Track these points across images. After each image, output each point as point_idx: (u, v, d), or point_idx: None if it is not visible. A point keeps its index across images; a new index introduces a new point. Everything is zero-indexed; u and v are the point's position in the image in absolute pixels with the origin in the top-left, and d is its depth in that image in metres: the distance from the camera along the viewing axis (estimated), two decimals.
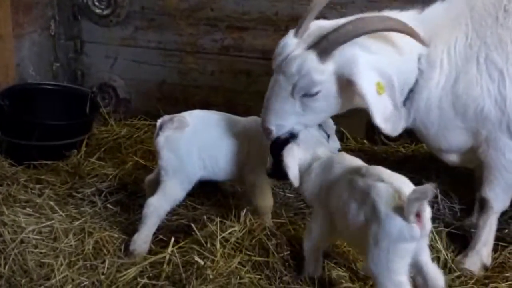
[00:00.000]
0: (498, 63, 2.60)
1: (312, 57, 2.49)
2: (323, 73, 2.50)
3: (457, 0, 2.73)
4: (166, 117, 2.94)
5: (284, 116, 2.62)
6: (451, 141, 2.75)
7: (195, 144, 2.90)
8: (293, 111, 2.60)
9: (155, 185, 2.90)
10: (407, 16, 2.64)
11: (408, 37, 2.57)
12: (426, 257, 2.30)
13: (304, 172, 2.57)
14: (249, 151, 2.94)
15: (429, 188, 2.10)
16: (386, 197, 2.21)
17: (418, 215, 2.16)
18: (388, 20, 2.55)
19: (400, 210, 2.16)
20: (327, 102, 2.59)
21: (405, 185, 2.26)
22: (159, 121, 2.92)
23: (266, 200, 2.94)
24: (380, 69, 2.52)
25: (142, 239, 2.79)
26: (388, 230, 2.18)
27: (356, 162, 2.55)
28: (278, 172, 2.59)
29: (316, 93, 2.54)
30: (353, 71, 2.48)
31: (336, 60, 2.51)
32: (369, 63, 2.51)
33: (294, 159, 2.54)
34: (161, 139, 2.87)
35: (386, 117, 2.53)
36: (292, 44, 2.58)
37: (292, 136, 2.59)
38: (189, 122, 2.94)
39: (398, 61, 2.60)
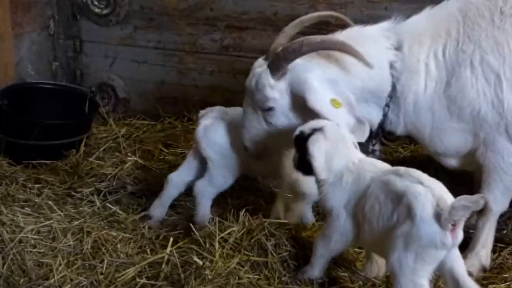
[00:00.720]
0: (495, 66, 2.60)
1: (266, 74, 2.68)
2: (275, 89, 2.67)
3: (447, 7, 2.75)
4: (208, 108, 3.07)
5: (253, 132, 2.80)
6: (448, 144, 2.75)
7: (236, 139, 2.92)
8: (260, 126, 2.78)
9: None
10: (379, 28, 2.74)
11: (373, 45, 2.67)
12: (462, 269, 2.26)
13: (333, 179, 2.48)
14: None
15: (481, 198, 2.09)
16: (424, 201, 2.18)
17: (454, 224, 2.14)
18: (329, 41, 2.66)
19: (436, 216, 2.14)
20: (285, 117, 2.73)
21: (445, 193, 2.23)
22: (201, 112, 3.07)
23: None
24: (334, 86, 2.64)
25: (201, 217, 2.96)
26: (421, 234, 2.15)
27: (387, 166, 2.49)
28: (304, 166, 2.53)
29: (270, 109, 2.72)
30: (304, 89, 2.64)
31: (288, 77, 2.68)
32: (321, 80, 2.64)
33: (319, 150, 2.46)
34: (201, 129, 2.99)
35: (351, 129, 2.64)
36: (259, 64, 2.77)
37: (317, 130, 2.50)
38: (230, 116, 2.99)
39: (358, 73, 2.67)
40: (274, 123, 2.76)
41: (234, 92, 4.06)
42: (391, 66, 2.70)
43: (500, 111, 2.60)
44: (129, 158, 3.60)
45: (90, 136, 3.82)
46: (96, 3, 4.13)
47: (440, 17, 2.73)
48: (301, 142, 2.51)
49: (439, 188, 2.25)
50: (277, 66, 2.66)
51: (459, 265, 2.26)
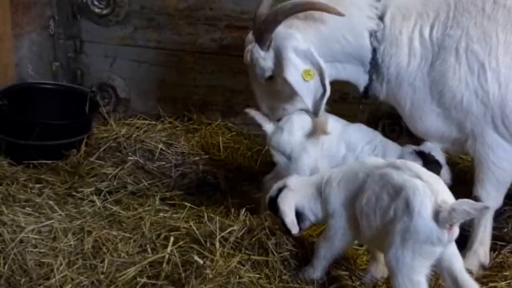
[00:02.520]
0: (480, 55, 2.60)
1: (256, 48, 2.84)
2: (267, 59, 2.83)
3: None
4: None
5: (268, 102, 3.02)
6: (428, 125, 2.77)
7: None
8: (271, 95, 2.99)
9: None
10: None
11: (356, 11, 2.76)
12: (459, 265, 2.27)
13: (322, 191, 2.55)
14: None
15: (484, 207, 2.10)
16: (422, 196, 2.18)
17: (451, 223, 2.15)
18: (299, 3, 2.74)
19: (435, 212, 2.14)
20: (286, 84, 2.81)
21: (443, 189, 2.23)
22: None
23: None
24: (310, 54, 2.75)
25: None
26: (418, 230, 2.15)
27: (379, 160, 2.53)
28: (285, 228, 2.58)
29: (270, 78, 2.89)
30: (281, 59, 2.78)
31: (273, 45, 2.81)
32: (297, 49, 2.75)
33: (288, 204, 2.55)
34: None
35: (317, 101, 2.79)
36: (249, 39, 2.94)
37: (282, 188, 2.60)
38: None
39: (335, 37, 2.78)
40: (281, 89, 2.89)
41: (235, 91, 4.07)
42: (372, 34, 2.76)
43: (485, 102, 2.60)
44: (129, 158, 3.59)
45: (90, 136, 3.81)
46: (96, 3, 4.12)
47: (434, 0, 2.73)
48: (274, 206, 2.59)
49: (438, 184, 2.25)
50: (262, 39, 2.81)
51: (456, 262, 2.27)
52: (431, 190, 2.19)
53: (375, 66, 2.80)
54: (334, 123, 2.99)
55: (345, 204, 2.47)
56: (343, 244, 2.53)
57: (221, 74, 4.07)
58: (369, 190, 2.35)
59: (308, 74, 2.75)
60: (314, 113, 2.83)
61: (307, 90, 2.78)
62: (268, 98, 3.02)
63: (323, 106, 2.81)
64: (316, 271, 2.56)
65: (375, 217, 2.32)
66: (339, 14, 2.67)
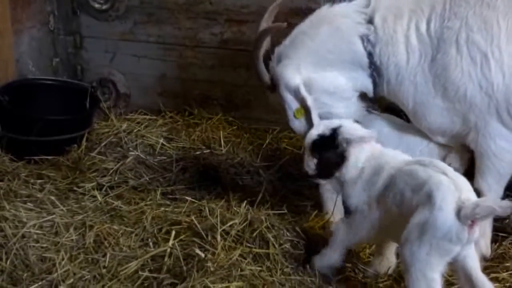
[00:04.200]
0: (481, 45, 2.57)
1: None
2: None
3: None
4: None
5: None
6: (432, 121, 2.75)
7: None
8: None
9: None
10: (355, 4, 2.84)
11: (343, 20, 2.81)
12: (475, 265, 2.23)
13: (354, 177, 2.47)
14: None
15: (510, 207, 2.05)
16: (445, 191, 2.15)
17: (473, 220, 2.12)
18: (258, 34, 2.97)
19: (456, 209, 2.10)
20: None
21: (468, 188, 2.21)
22: None
23: None
24: (296, 92, 2.84)
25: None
26: (437, 225, 2.11)
27: (408, 157, 2.48)
28: (325, 168, 2.51)
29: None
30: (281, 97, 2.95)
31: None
32: (288, 87, 2.87)
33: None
34: None
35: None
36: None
37: (335, 130, 2.49)
38: None
39: (328, 48, 2.83)
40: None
41: (235, 86, 4.08)
42: (363, 39, 2.76)
43: (489, 93, 2.58)
44: (130, 153, 3.60)
45: (91, 131, 3.82)
46: None
47: None
48: (322, 144, 2.49)
49: (463, 183, 2.22)
50: (267, 88, 2.97)
51: (472, 262, 2.23)
52: (455, 186, 2.17)
53: (375, 69, 2.79)
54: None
55: (368, 200, 2.42)
56: (365, 235, 2.46)
57: (221, 69, 4.07)
58: (395, 187, 2.32)
59: (299, 113, 2.88)
60: None
61: (300, 127, 2.92)
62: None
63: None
64: (335, 254, 2.51)
65: (398, 212, 2.29)
66: (280, 27, 2.85)
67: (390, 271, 2.60)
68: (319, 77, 2.85)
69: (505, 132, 2.63)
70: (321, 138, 2.49)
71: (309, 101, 2.81)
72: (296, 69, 2.85)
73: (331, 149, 2.46)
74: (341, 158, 2.45)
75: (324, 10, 2.90)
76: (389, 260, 2.60)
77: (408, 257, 2.18)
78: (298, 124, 2.94)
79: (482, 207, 2.08)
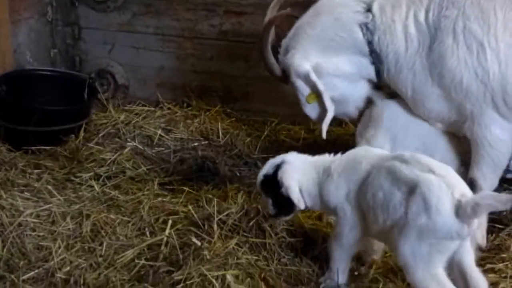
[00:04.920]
0: (478, 34, 2.59)
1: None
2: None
3: None
4: None
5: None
6: (429, 108, 2.77)
7: None
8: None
9: None
10: None
11: (343, 9, 2.85)
12: (470, 260, 2.22)
13: (321, 180, 2.46)
14: None
15: (510, 199, 2.02)
16: (439, 192, 2.11)
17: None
18: (263, 28, 3.01)
19: (454, 207, 2.08)
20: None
21: (457, 180, 2.18)
22: None
23: None
24: (307, 78, 2.87)
25: None
26: (437, 227, 2.09)
27: (383, 151, 2.48)
28: (282, 207, 2.49)
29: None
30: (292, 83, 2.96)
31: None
32: (298, 74, 2.89)
33: (293, 179, 2.43)
34: None
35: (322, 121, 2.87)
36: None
37: (279, 164, 2.49)
38: None
39: (331, 37, 2.86)
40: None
41: (234, 77, 4.09)
42: (363, 27, 2.79)
43: (485, 81, 2.59)
44: (128, 144, 3.61)
45: (89, 122, 3.82)
46: None
47: None
48: (270, 183, 2.48)
49: (452, 176, 2.19)
50: (274, 74, 2.97)
51: (467, 256, 2.22)
52: (446, 184, 2.13)
53: (376, 57, 2.82)
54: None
55: (349, 197, 2.38)
56: (353, 239, 2.41)
57: (220, 60, 4.07)
58: (375, 184, 2.27)
59: (311, 98, 2.90)
60: (322, 134, 2.92)
61: (313, 113, 2.92)
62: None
63: (326, 126, 2.89)
64: (335, 274, 2.44)
65: (383, 213, 2.23)
66: (285, 14, 2.92)
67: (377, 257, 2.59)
68: (326, 62, 2.89)
69: (500, 121, 2.64)
70: (266, 178, 2.50)
71: (320, 85, 2.84)
72: (304, 56, 2.89)
73: (278, 187, 2.45)
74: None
75: (325, 1, 2.93)
76: (373, 248, 2.57)
77: (409, 259, 2.14)
78: (311, 109, 2.96)
79: (483, 205, 2.06)
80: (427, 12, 2.69)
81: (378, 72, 2.86)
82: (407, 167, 2.22)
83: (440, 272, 2.14)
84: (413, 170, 2.19)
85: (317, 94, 2.89)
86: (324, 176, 2.45)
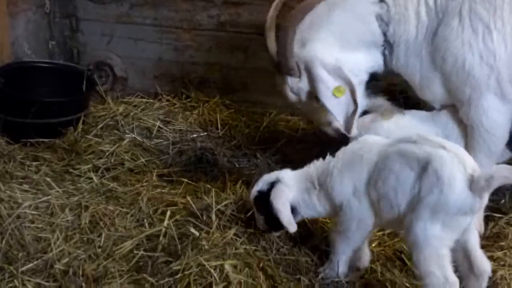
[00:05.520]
0: (484, 17, 2.59)
1: (290, 79, 2.86)
2: (302, 84, 2.86)
3: None
4: None
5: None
6: (434, 91, 2.78)
7: None
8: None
9: None
10: None
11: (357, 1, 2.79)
12: (475, 242, 2.24)
13: (321, 183, 2.46)
14: None
15: None
16: (451, 167, 2.12)
17: None
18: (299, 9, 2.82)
19: (468, 182, 2.09)
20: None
21: (467, 156, 2.19)
22: None
23: None
24: (338, 71, 2.76)
25: None
26: (449, 202, 2.10)
27: (380, 138, 2.47)
28: (273, 225, 2.51)
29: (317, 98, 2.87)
30: (313, 76, 2.80)
31: (304, 69, 2.83)
32: (325, 65, 2.77)
33: (284, 201, 2.45)
34: None
35: (348, 117, 2.78)
36: (278, 80, 2.96)
37: (274, 183, 2.51)
38: None
39: (349, 32, 2.81)
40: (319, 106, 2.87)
41: (232, 68, 4.08)
42: (378, 18, 2.76)
43: (490, 63, 2.59)
44: (127, 136, 3.62)
45: (88, 114, 3.81)
46: None
47: None
48: (262, 201, 2.49)
49: (462, 152, 2.21)
50: (289, 69, 2.81)
51: (473, 239, 2.25)
52: (458, 159, 2.14)
53: (387, 47, 2.80)
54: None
55: (356, 192, 2.37)
56: (363, 233, 2.42)
57: (218, 51, 4.06)
58: (385, 171, 2.27)
59: (339, 91, 2.77)
60: (346, 130, 2.81)
61: (338, 107, 2.79)
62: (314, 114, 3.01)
63: (355, 122, 2.80)
64: (335, 267, 2.46)
65: (396, 196, 2.23)
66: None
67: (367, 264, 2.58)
68: (346, 58, 2.82)
69: (498, 104, 2.64)
70: (260, 195, 2.52)
71: (354, 80, 2.77)
72: (327, 48, 2.81)
73: (270, 207, 2.46)
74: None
75: None
76: (366, 253, 2.56)
77: (420, 237, 2.14)
78: (334, 103, 2.81)
79: (497, 178, 2.07)
80: None
81: (385, 62, 2.85)
82: (416, 146, 2.23)
83: (446, 254, 2.15)
84: (423, 148, 2.20)
85: (350, 89, 2.79)
86: (323, 178, 2.45)
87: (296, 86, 2.88)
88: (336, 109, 2.80)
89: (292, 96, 2.93)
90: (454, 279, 2.13)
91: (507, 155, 2.83)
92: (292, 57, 2.79)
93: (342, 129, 2.80)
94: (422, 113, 2.92)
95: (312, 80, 2.82)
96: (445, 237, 2.14)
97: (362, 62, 2.86)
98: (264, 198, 2.49)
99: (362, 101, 2.89)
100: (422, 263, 2.15)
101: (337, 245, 2.46)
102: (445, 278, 2.12)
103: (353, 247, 2.46)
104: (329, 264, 2.50)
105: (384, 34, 2.78)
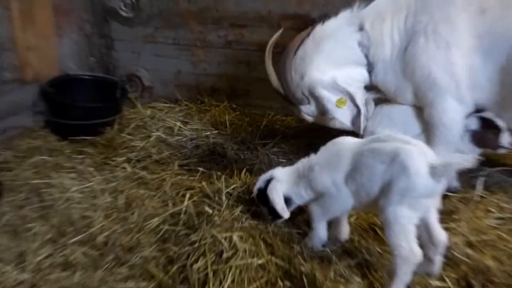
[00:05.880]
0: (444, 35, 2.58)
1: (304, 107, 2.85)
2: (312, 107, 2.86)
3: None
4: None
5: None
6: (407, 99, 2.79)
7: None
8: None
9: None
10: (343, 17, 2.82)
11: (340, 32, 2.78)
12: (434, 218, 2.23)
13: (306, 176, 2.43)
14: None
15: (474, 158, 2.05)
16: (417, 158, 2.11)
17: None
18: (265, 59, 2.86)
19: (430, 169, 2.09)
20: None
21: (428, 150, 2.19)
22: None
23: None
24: (334, 86, 2.73)
25: None
26: (416, 187, 2.09)
27: (355, 139, 2.42)
28: (275, 214, 2.48)
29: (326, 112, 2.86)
30: (318, 98, 2.77)
31: (309, 96, 2.81)
32: (323, 84, 2.74)
33: (278, 193, 2.43)
34: None
35: (353, 120, 2.76)
36: (296, 109, 2.97)
37: (269, 180, 2.49)
38: None
39: (338, 57, 2.77)
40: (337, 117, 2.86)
41: (238, 78, 4.09)
42: (360, 44, 2.76)
43: (450, 73, 2.58)
44: (153, 134, 3.65)
45: (122, 117, 3.85)
46: (123, 8, 4.12)
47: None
48: (263, 196, 2.48)
49: (424, 146, 2.21)
50: (300, 99, 2.81)
51: (433, 216, 2.24)
52: (420, 151, 2.14)
53: (369, 65, 2.80)
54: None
55: (335, 183, 2.33)
56: (339, 212, 2.40)
57: (226, 65, 4.07)
58: (361, 166, 2.25)
59: (341, 102, 2.76)
60: (356, 130, 2.79)
61: (345, 115, 2.78)
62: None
63: (362, 124, 2.77)
64: (319, 231, 2.44)
65: (371, 185, 2.22)
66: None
67: (347, 236, 2.56)
68: (340, 72, 2.79)
69: (456, 105, 2.64)
70: (260, 191, 2.50)
71: (350, 88, 2.74)
72: (321, 71, 2.78)
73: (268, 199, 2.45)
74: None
75: (323, 28, 2.83)
76: (345, 227, 2.54)
77: (391, 217, 2.14)
78: (342, 113, 2.79)
79: (453, 164, 2.07)
80: (406, 20, 2.67)
81: (370, 77, 2.84)
82: (385, 143, 2.22)
83: (412, 230, 2.14)
84: (391, 144, 2.20)
85: (349, 97, 2.77)
86: (307, 172, 2.43)
87: (309, 110, 2.87)
88: (344, 117, 2.79)
89: (309, 118, 2.93)
90: (418, 250, 2.14)
91: (474, 151, 2.80)
92: (297, 90, 2.78)
93: (356, 130, 2.80)
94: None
95: (318, 101, 2.81)
96: (411, 216, 2.14)
97: (354, 74, 2.83)
98: (263, 193, 2.48)
99: (363, 100, 2.85)
100: (392, 238, 2.16)
101: (314, 213, 2.43)
102: (411, 249, 2.13)
103: (328, 218, 2.43)
104: (311, 232, 2.49)
105: (366, 56, 2.77)
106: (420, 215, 2.16)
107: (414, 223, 2.15)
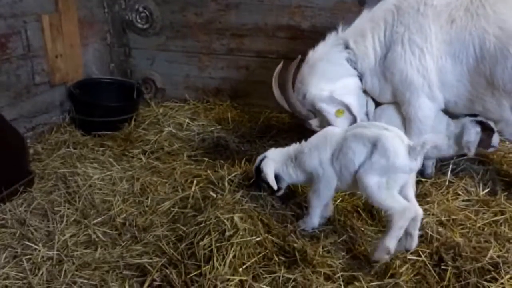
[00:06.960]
0: (419, 43, 2.59)
1: (312, 121, 2.85)
2: (320, 121, 2.84)
3: (385, 4, 2.74)
4: None
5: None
6: (388, 98, 2.79)
7: None
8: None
9: None
10: (330, 41, 2.83)
11: (330, 52, 2.78)
12: (412, 194, 2.24)
13: (296, 157, 2.44)
14: None
15: (445, 137, 2.16)
16: (394, 141, 2.14)
17: None
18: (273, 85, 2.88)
19: (407, 149, 2.11)
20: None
21: (402, 133, 2.23)
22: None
23: None
24: (332, 99, 2.74)
25: None
26: (396, 166, 2.11)
27: (342, 127, 2.44)
28: (271, 189, 2.48)
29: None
30: (319, 112, 2.77)
31: (313, 111, 2.81)
32: (322, 99, 2.76)
33: (269, 168, 2.44)
34: None
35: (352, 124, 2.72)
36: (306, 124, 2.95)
37: (263, 159, 2.51)
38: None
39: (333, 75, 2.77)
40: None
41: (239, 81, 4.05)
42: (348, 60, 2.77)
43: (424, 74, 2.59)
44: (165, 129, 3.61)
45: (138, 114, 3.81)
46: (139, 20, 4.06)
47: (378, 13, 2.74)
48: (259, 173, 2.49)
49: (398, 131, 2.24)
50: (306, 116, 2.81)
51: (410, 190, 2.25)
52: (398, 136, 2.17)
53: (360, 76, 2.80)
54: None
55: (322, 164, 2.35)
56: (328, 191, 2.38)
57: (228, 69, 4.03)
58: (345, 148, 2.26)
59: (340, 112, 2.77)
60: None
61: (343, 124, 2.77)
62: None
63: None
64: (314, 219, 2.43)
65: (354, 166, 2.22)
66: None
67: (331, 213, 2.54)
68: (336, 85, 2.78)
69: (429, 103, 2.65)
70: (256, 169, 2.51)
71: (345, 99, 2.74)
72: (320, 88, 2.78)
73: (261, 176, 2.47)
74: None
75: (315, 52, 2.85)
76: (330, 206, 2.53)
77: (374, 189, 2.15)
78: (342, 122, 2.77)
79: (428, 142, 2.09)
80: (385, 32, 2.69)
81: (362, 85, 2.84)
82: (367, 129, 2.24)
83: (396, 193, 2.15)
84: (372, 130, 2.21)
85: (346, 107, 2.76)
86: (298, 155, 2.44)
87: (317, 122, 2.87)
88: (343, 125, 2.76)
89: (319, 128, 2.87)
90: (406, 204, 2.14)
91: (453, 151, 2.77)
92: (302, 109, 2.80)
93: None
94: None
95: (320, 114, 2.82)
96: (392, 187, 2.14)
97: (348, 84, 2.81)
98: (259, 170, 2.49)
99: (364, 104, 2.85)
100: (382, 205, 2.17)
101: (312, 200, 2.43)
102: (401, 206, 2.13)
103: (323, 202, 2.43)
104: (306, 216, 2.47)
105: (355, 69, 2.78)
106: (399, 187, 2.17)
107: (396, 190, 2.15)
